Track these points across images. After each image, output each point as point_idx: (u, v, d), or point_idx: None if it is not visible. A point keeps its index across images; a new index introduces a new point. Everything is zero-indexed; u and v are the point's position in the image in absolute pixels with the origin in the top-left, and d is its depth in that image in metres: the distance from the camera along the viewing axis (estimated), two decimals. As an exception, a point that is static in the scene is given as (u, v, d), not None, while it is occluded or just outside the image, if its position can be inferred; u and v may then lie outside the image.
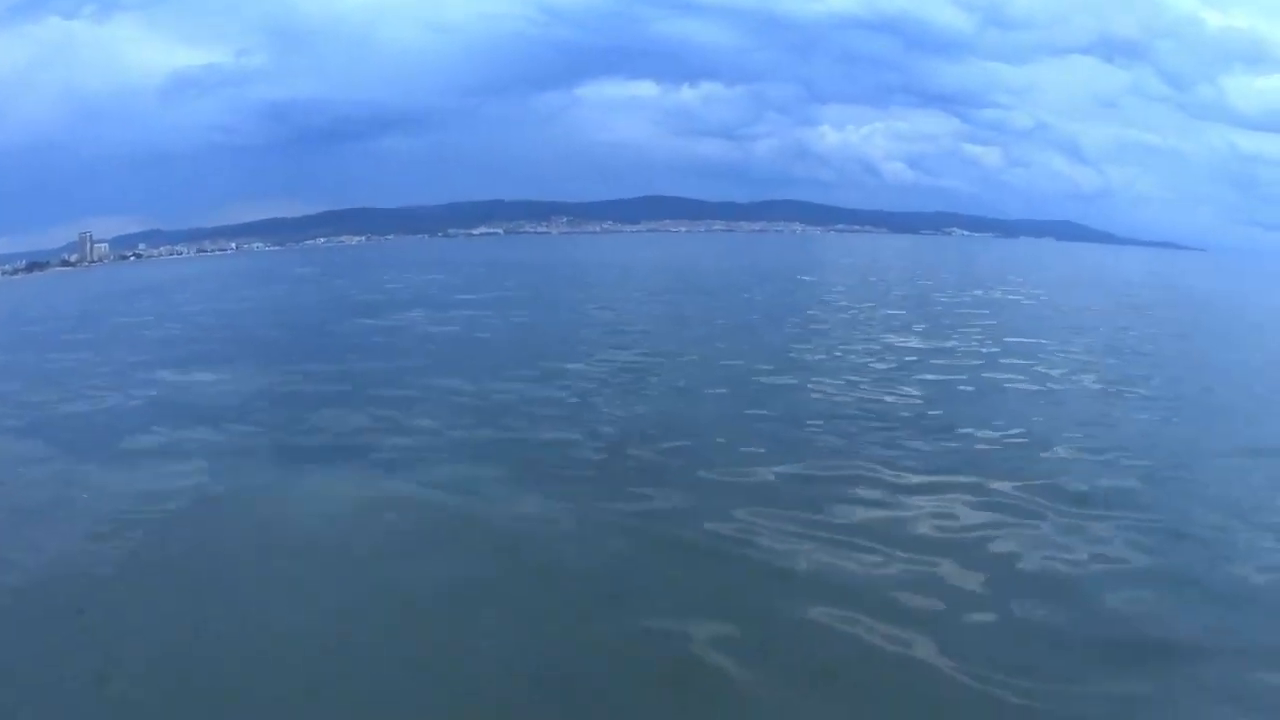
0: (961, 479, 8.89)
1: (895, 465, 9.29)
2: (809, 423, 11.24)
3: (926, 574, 6.68)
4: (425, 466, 9.41)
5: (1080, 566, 6.79)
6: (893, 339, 19.28)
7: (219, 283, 48.79)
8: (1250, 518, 7.83)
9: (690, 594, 6.40)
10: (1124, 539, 7.32)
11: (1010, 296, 32.35)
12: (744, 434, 10.66)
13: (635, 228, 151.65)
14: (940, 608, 6.12)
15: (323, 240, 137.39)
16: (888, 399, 12.72)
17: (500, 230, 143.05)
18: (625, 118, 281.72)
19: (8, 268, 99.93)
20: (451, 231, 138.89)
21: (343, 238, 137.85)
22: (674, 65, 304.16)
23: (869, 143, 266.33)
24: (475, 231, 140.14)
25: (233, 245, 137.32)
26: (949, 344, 18.37)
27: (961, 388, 13.82)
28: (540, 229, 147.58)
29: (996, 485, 8.65)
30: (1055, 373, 15.22)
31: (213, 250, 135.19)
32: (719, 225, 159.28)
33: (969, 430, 10.82)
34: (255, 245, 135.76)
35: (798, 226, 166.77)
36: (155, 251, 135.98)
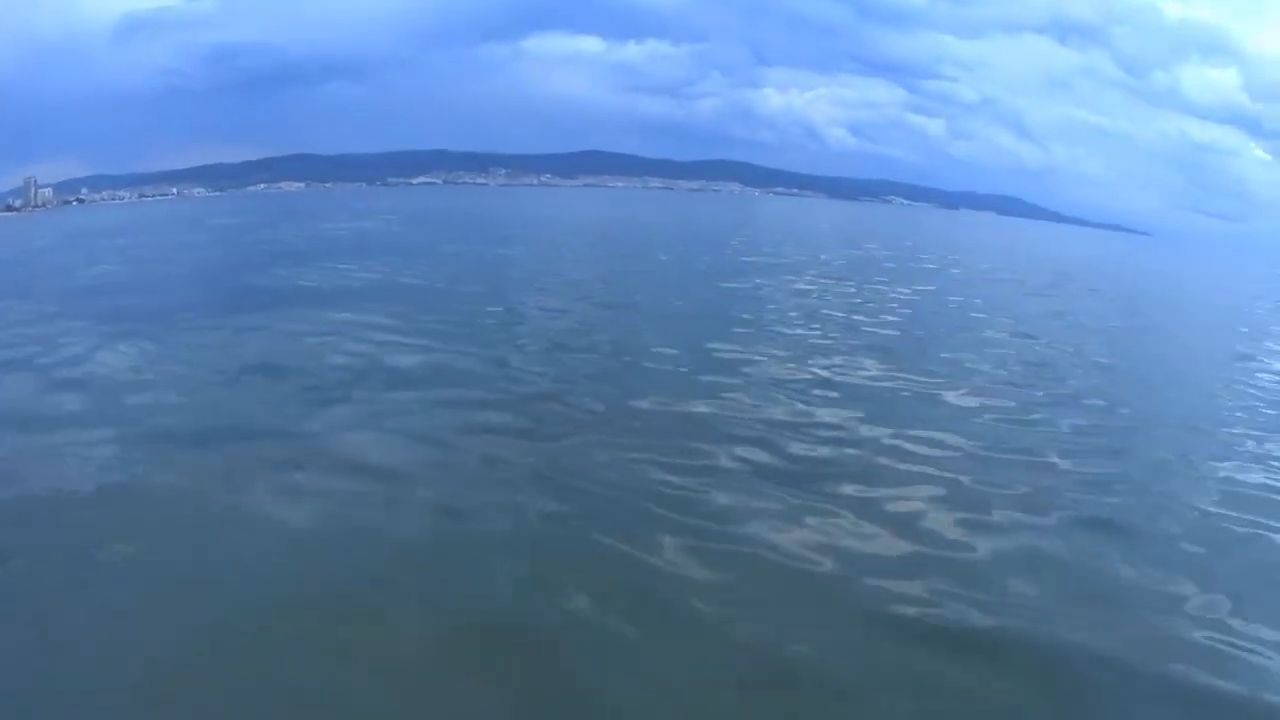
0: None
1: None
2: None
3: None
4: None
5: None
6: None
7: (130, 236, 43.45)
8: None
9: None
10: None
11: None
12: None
13: (573, 182, 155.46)
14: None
15: (263, 186, 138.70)
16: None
17: (439, 180, 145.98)
18: (569, 72, 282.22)
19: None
20: (391, 180, 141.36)
21: (282, 184, 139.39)
22: (621, 22, 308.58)
23: (813, 108, 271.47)
24: (414, 181, 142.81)
25: (174, 190, 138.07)
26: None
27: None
28: (479, 180, 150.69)
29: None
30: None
31: (154, 196, 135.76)
32: (656, 183, 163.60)
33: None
34: (197, 191, 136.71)
35: (736, 187, 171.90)
36: (98, 196, 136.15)
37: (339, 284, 21.36)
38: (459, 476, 8.43)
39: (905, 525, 7.66)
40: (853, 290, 24.04)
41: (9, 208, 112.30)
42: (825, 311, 19.72)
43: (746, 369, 13.22)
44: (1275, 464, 10.15)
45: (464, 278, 23.16)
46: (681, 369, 13.12)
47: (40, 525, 7.34)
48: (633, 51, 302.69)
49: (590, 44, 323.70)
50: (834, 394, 12.10)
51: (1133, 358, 17.60)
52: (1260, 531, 8.06)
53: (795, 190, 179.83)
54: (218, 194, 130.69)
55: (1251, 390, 14.90)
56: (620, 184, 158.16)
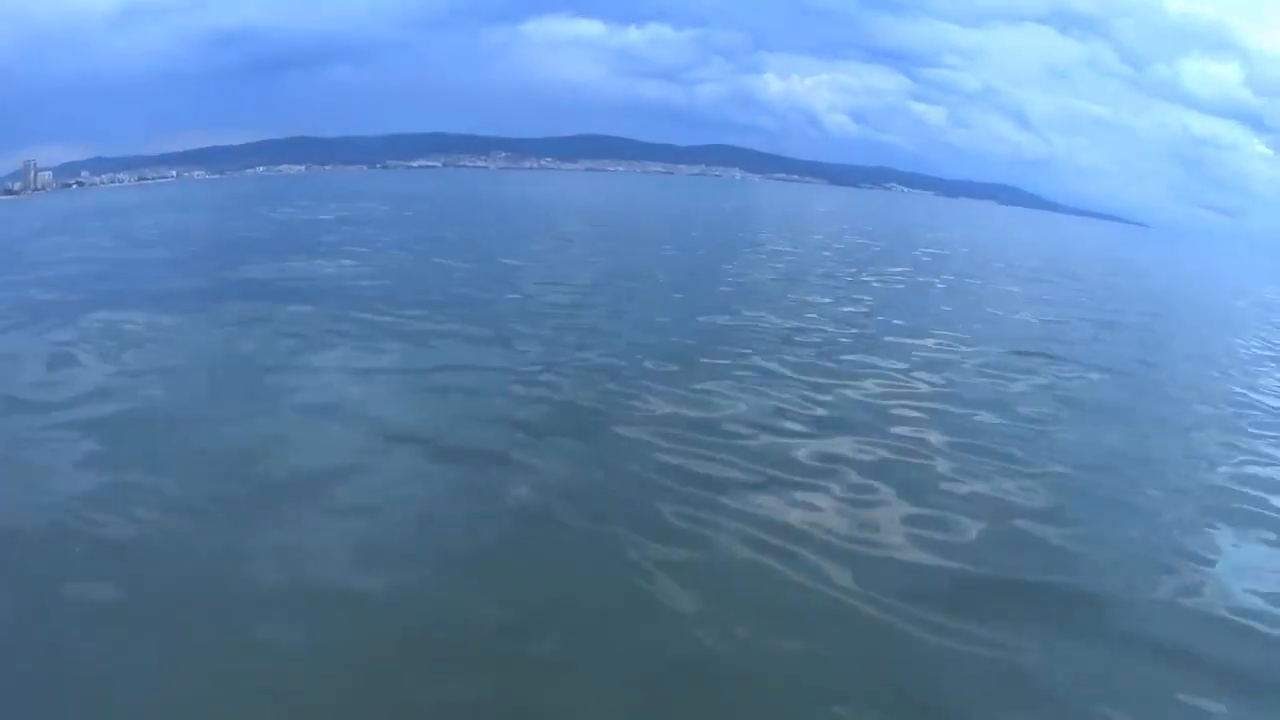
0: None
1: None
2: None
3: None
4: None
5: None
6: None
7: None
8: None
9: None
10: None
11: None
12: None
13: (573, 166, 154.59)
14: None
15: (262, 169, 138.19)
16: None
17: (439, 163, 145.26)
18: (570, 56, 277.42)
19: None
20: (390, 163, 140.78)
21: (282, 167, 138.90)
22: (622, 5, 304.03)
23: (813, 94, 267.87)
24: (414, 164, 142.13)
25: (173, 173, 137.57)
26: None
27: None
28: (479, 163, 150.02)
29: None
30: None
31: (154, 179, 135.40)
32: (657, 167, 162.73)
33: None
34: (197, 173, 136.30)
35: (736, 173, 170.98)
36: (98, 179, 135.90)
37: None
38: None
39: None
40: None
41: (8, 191, 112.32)
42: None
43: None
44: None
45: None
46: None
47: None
48: (633, 35, 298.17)
49: (591, 27, 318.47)
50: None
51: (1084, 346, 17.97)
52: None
53: (796, 176, 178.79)
54: (218, 176, 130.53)
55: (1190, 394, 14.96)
56: (620, 168, 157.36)
